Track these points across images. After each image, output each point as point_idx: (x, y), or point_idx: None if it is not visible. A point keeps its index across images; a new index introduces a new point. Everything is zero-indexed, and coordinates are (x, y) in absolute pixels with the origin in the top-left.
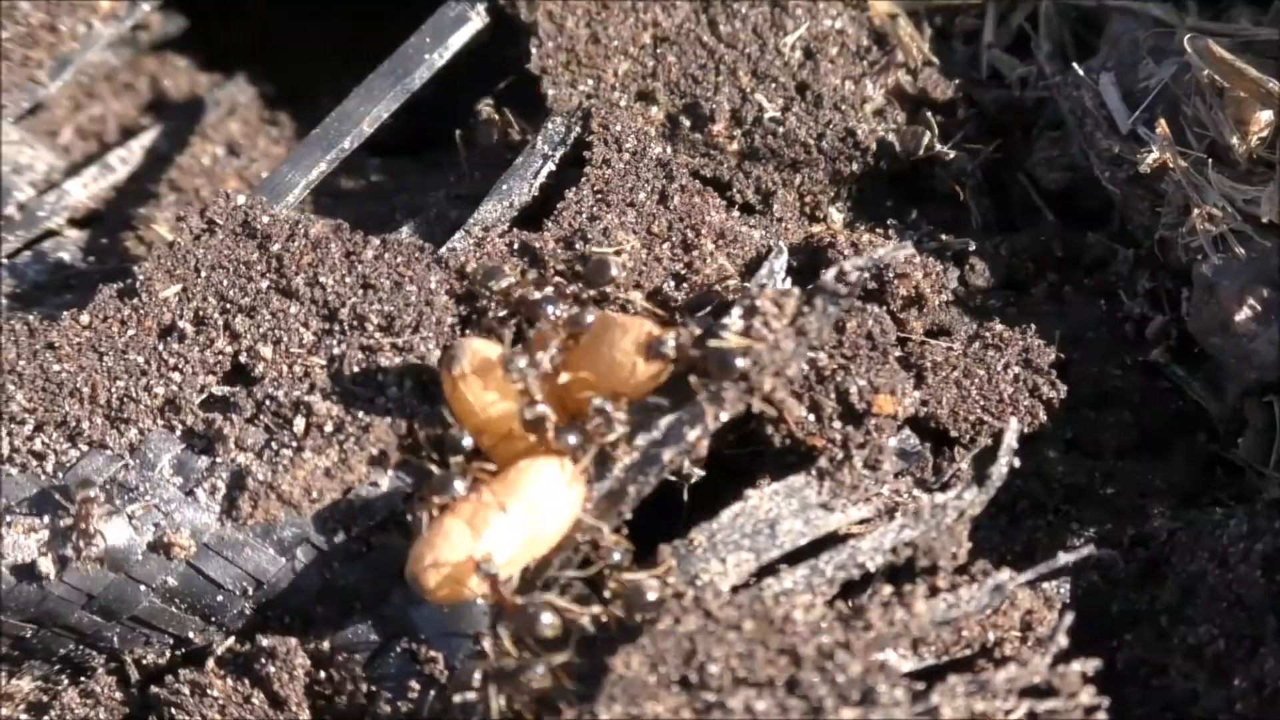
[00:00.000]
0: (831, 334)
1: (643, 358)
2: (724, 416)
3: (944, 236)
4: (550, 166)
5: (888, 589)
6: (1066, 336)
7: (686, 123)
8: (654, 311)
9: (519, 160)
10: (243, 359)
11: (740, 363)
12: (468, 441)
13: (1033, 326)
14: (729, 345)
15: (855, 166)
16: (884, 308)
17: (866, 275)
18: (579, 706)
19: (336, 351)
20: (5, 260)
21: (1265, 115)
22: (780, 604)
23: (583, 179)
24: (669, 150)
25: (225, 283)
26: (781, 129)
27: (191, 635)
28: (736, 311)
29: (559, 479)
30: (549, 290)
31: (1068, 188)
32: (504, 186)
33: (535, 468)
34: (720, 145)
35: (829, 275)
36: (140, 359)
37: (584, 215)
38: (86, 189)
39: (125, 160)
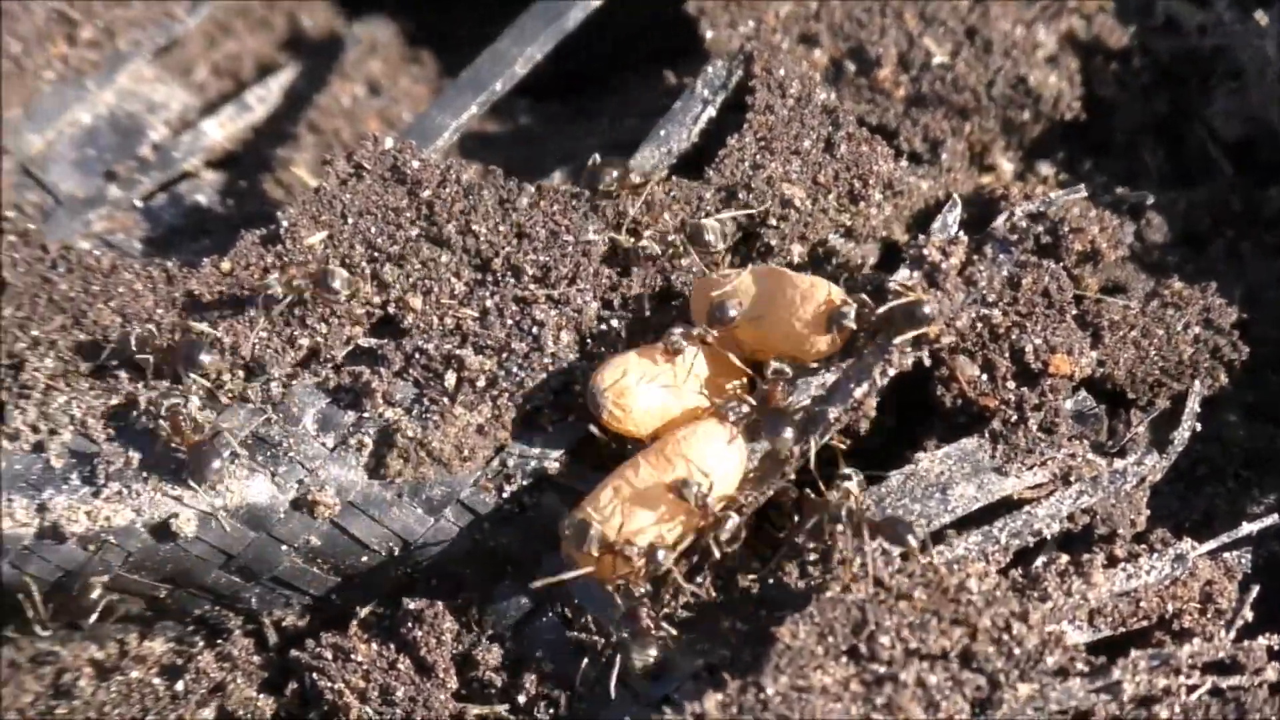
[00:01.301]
0: (1002, 284)
1: (823, 329)
2: (891, 373)
3: (1119, 189)
4: (710, 112)
5: (1064, 558)
6: (1245, 295)
7: (851, 67)
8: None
9: (677, 105)
10: (391, 310)
11: (927, 309)
12: None
13: (1213, 285)
14: (901, 300)
15: (1027, 115)
16: (1059, 264)
17: (1039, 226)
18: (743, 676)
19: (489, 303)
20: (140, 203)
21: None
22: (954, 572)
23: (745, 125)
24: (834, 96)
25: (373, 230)
26: (950, 75)
27: (334, 597)
28: (904, 265)
29: (723, 443)
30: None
31: (1246, 140)
32: (661, 132)
33: (699, 435)
34: (887, 91)
35: (1000, 222)
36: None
37: (746, 163)
38: (223, 129)
39: (262, 99)
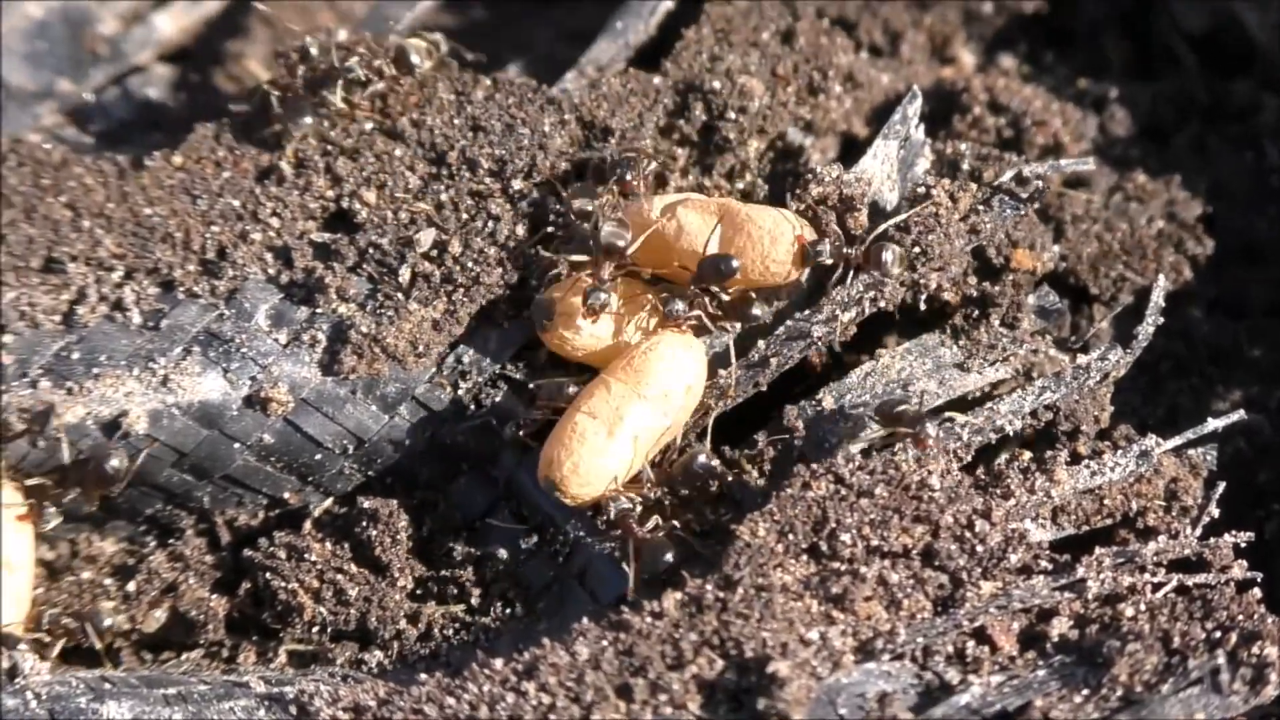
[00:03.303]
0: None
1: (798, 265)
2: (882, 304)
3: (1081, 81)
4: (668, 4)
5: (1027, 455)
6: (1211, 189)
7: None
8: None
9: None
10: (345, 204)
11: (893, 264)
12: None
13: (1177, 178)
14: (897, 243)
15: (988, 7)
16: (1021, 156)
17: (1001, 119)
18: (703, 575)
19: (445, 197)
20: (92, 96)
21: None
22: (915, 469)
23: (702, 17)
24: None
25: (326, 123)
26: None
27: (287, 496)
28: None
29: (686, 353)
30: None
31: (1212, 31)
32: (618, 24)
33: (661, 346)
34: None
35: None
36: (236, 203)
37: (705, 55)
38: (174, 22)
39: None
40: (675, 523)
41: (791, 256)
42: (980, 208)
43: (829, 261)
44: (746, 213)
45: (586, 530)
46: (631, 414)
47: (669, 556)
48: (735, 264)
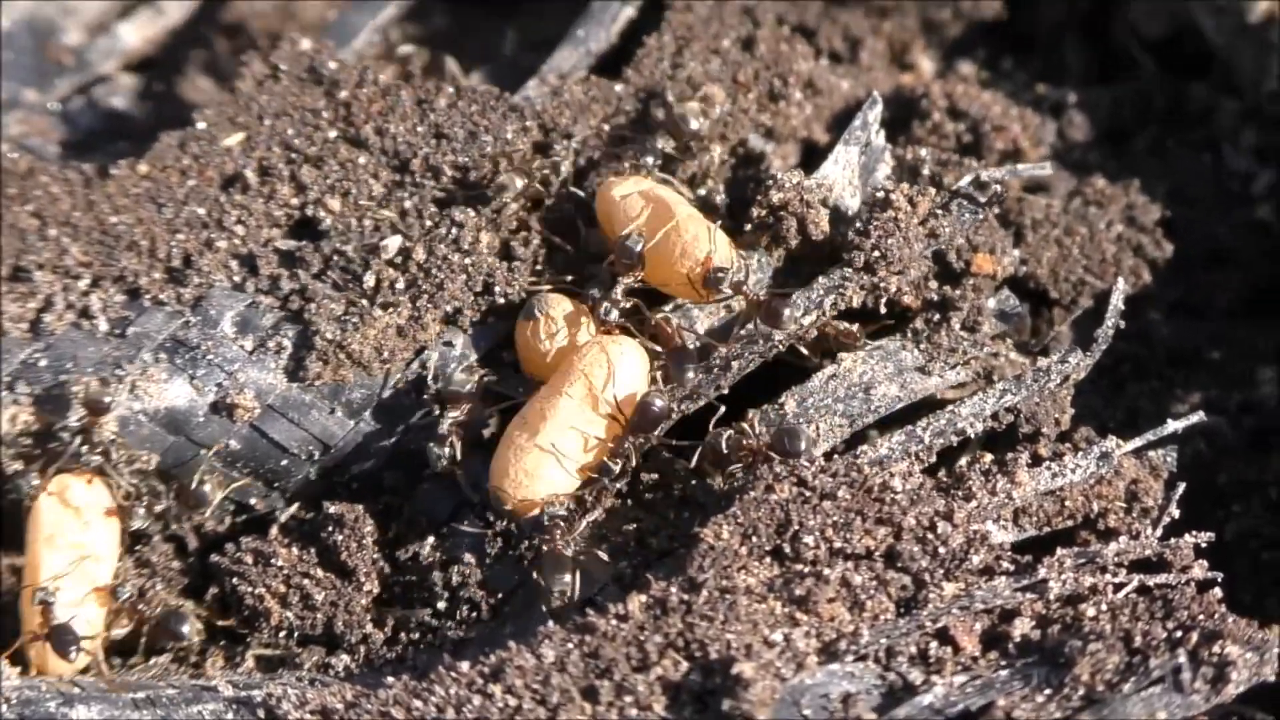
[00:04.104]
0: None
1: (699, 284)
2: (842, 306)
3: (1040, 87)
4: (629, 11)
5: (988, 457)
6: (1170, 193)
7: None
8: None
9: (595, 4)
10: (310, 211)
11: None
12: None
13: (1136, 182)
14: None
15: (947, 13)
16: (981, 162)
17: (960, 124)
18: (667, 578)
19: (408, 205)
20: (57, 106)
21: None
22: (877, 472)
23: (663, 24)
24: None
25: (290, 131)
26: None
27: (254, 501)
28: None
29: (614, 350)
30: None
31: (1170, 36)
32: (580, 32)
33: (586, 347)
34: None
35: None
36: (202, 211)
37: (665, 62)
38: (138, 33)
39: (178, 3)
40: (600, 551)
41: (696, 276)
42: (939, 212)
43: (728, 293)
44: (680, 218)
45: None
46: (558, 416)
47: (566, 579)
48: (638, 249)
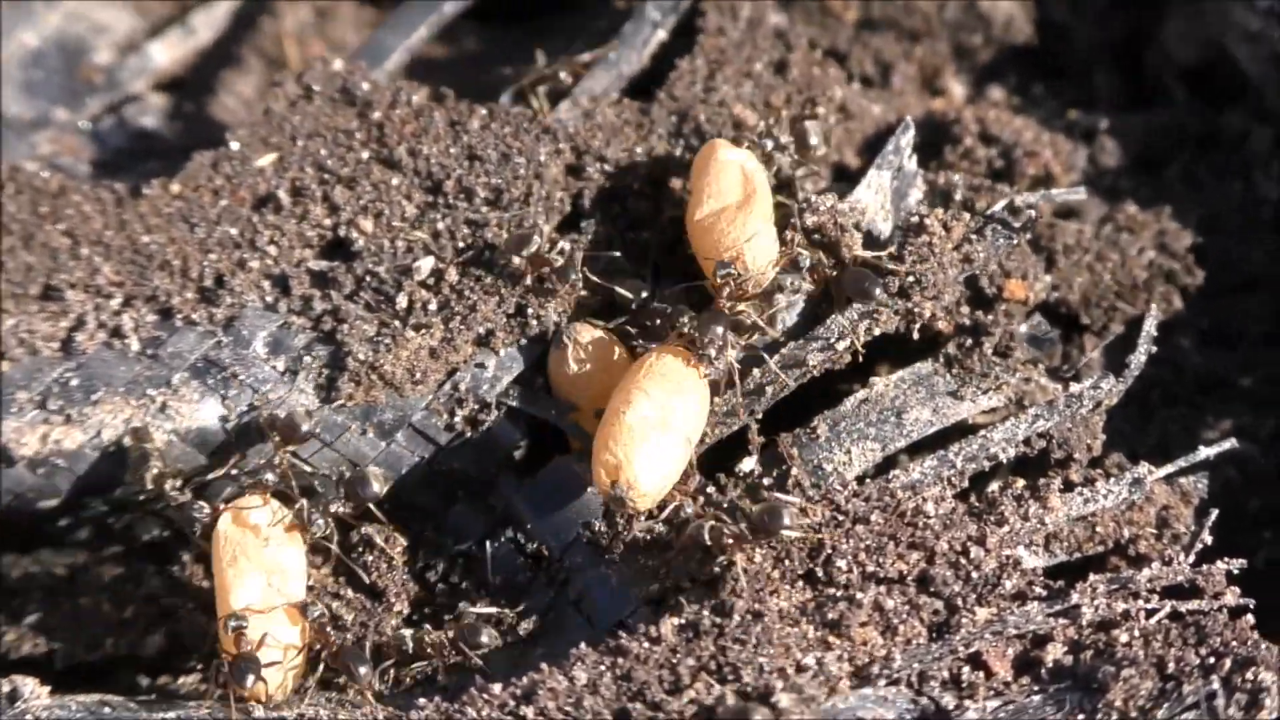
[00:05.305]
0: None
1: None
2: (876, 332)
3: (1071, 113)
4: (661, 35)
5: (1021, 482)
6: (1202, 219)
7: None
8: None
9: (628, 27)
10: (342, 232)
11: (878, 292)
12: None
13: (1167, 208)
14: (888, 266)
15: (978, 38)
16: (1014, 187)
17: (992, 150)
18: (700, 601)
19: (441, 226)
20: (88, 125)
21: None
22: (910, 496)
23: (696, 47)
24: (786, 19)
25: (323, 152)
26: None
27: None
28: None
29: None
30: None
31: (1202, 64)
32: (612, 55)
33: (666, 355)
34: (838, 14)
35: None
36: (234, 231)
37: (698, 86)
38: (169, 52)
39: (208, 23)
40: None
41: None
42: (973, 237)
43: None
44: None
45: (583, 557)
46: (679, 412)
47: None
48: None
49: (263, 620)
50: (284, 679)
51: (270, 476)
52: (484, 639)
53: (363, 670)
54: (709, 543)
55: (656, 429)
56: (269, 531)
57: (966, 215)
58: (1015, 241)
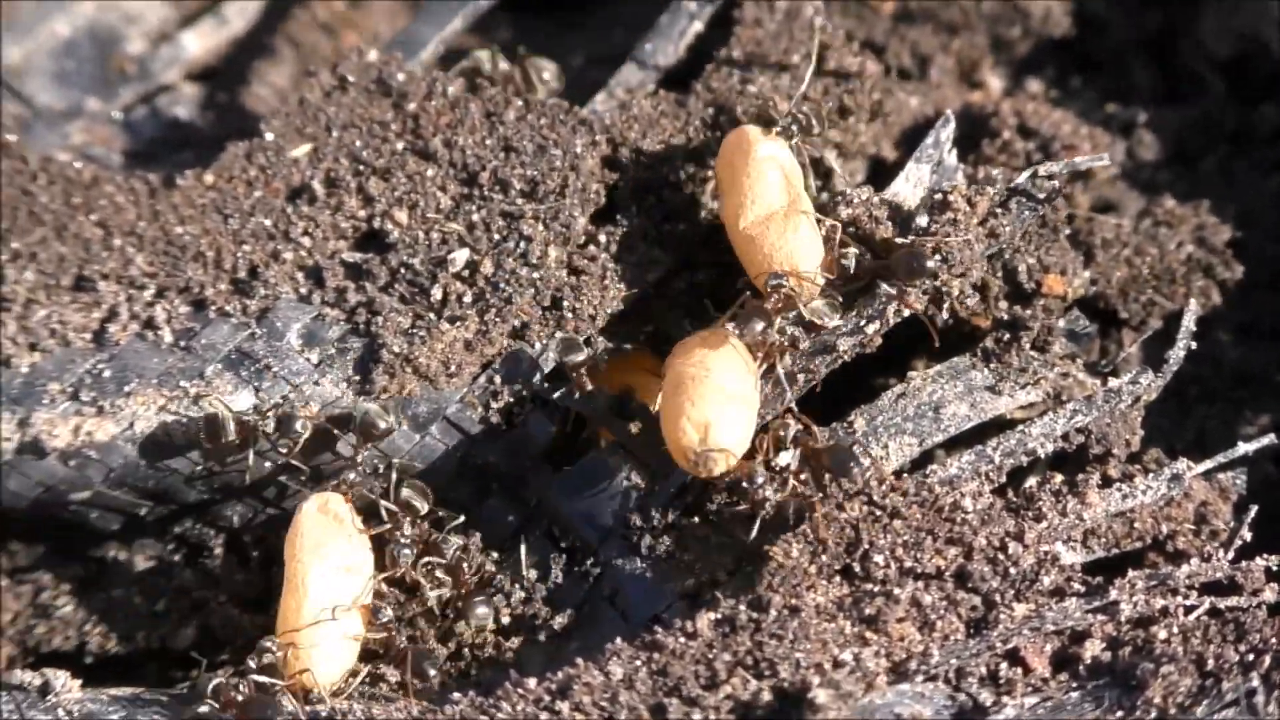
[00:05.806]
0: (1020, 238)
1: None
2: (906, 313)
3: (1109, 106)
4: (698, 26)
5: (1059, 478)
6: (1239, 213)
7: None
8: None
9: (663, 19)
10: (377, 223)
11: (930, 264)
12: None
13: (1205, 203)
14: (919, 245)
15: (1016, 31)
16: (1051, 181)
17: (1030, 143)
18: (736, 596)
19: (476, 217)
20: (120, 115)
21: None
22: (948, 491)
23: (732, 39)
24: (823, 10)
25: (358, 143)
26: None
27: None
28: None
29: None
30: None
31: (1239, 57)
32: (647, 47)
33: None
34: (875, 6)
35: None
36: (268, 222)
37: (734, 78)
38: (201, 42)
39: (241, 12)
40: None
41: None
42: (998, 211)
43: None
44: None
45: (618, 551)
46: (744, 385)
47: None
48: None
49: (325, 622)
50: (338, 677)
51: (352, 476)
52: (433, 672)
53: (433, 673)
54: (790, 500)
55: (732, 398)
56: (349, 528)
57: (990, 189)
58: (1040, 212)
